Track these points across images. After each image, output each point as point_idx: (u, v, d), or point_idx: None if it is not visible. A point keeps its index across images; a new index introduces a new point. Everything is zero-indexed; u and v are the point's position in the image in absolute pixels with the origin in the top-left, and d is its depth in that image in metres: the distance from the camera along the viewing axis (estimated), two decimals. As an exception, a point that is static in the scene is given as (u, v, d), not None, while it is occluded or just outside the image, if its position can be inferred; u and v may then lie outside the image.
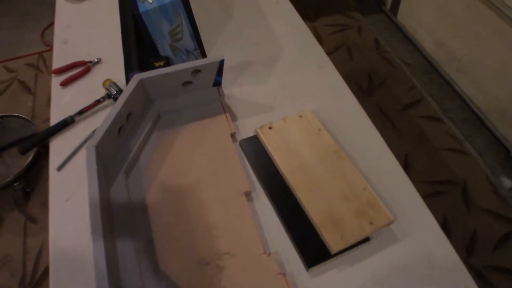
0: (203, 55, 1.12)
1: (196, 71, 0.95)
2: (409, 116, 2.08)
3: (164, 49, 1.06)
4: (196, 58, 1.09)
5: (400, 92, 2.20)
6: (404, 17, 2.50)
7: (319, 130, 0.90)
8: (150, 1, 0.95)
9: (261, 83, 1.07)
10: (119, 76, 1.10)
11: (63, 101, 1.08)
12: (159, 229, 0.79)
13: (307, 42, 1.18)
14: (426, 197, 1.74)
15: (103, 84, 1.06)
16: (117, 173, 0.86)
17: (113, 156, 0.88)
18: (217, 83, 1.00)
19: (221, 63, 0.95)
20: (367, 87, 2.22)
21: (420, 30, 2.38)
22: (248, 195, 0.84)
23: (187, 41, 1.04)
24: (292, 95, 1.03)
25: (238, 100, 1.03)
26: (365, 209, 0.77)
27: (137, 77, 0.92)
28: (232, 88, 1.06)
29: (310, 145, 0.87)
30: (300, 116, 0.94)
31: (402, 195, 0.84)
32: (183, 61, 1.09)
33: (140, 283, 0.71)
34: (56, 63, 1.16)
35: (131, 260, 0.74)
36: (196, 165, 0.88)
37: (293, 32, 1.21)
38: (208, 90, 1.00)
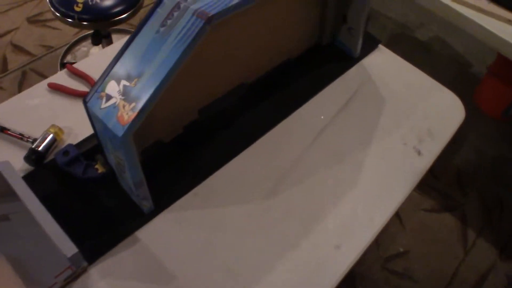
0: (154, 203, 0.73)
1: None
2: None
3: (111, 160, 0.71)
4: (139, 205, 0.71)
5: None
6: None
7: None
8: (102, 105, 0.60)
9: None
10: (83, 127, 0.80)
11: (29, 101, 0.86)
12: None
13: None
14: None
15: (49, 128, 0.79)
16: None
17: None
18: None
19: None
20: None
21: None
22: None
23: (130, 182, 0.67)
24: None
25: None
26: None
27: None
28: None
29: None
30: None
31: None
32: (127, 191, 0.73)
33: None
34: (81, 65, 0.93)
35: None
36: None
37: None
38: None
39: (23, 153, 0.77)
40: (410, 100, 0.96)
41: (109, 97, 0.59)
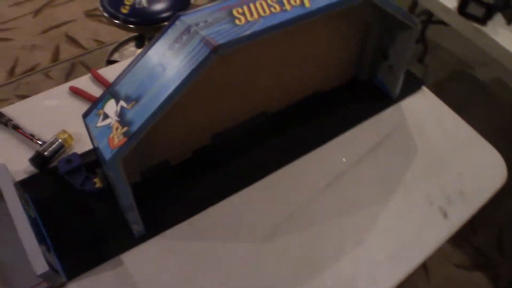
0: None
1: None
2: None
3: (107, 175, 0.68)
4: (130, 227, 0.68)
5: None
6: None
7: None
8: (98, 123, 0.57)
9: None
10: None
11: (48, 102, 0.86)
12: None
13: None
14: None
15: (59, 133, 0.78)
16: None
17: None
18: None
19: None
20: None
21: None
22: None
23: (124, 203, 0.64)
24: None
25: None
26: None
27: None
28: None
29: None
30: None
31: None
32: (123, 213, 0.70)
33: None
34: (113, 69, 0.93)
35: None
36: None
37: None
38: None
39: (31, 154, 0.76)
40: (446, 153, 0.87)
41: (106, 116, 0.57)
